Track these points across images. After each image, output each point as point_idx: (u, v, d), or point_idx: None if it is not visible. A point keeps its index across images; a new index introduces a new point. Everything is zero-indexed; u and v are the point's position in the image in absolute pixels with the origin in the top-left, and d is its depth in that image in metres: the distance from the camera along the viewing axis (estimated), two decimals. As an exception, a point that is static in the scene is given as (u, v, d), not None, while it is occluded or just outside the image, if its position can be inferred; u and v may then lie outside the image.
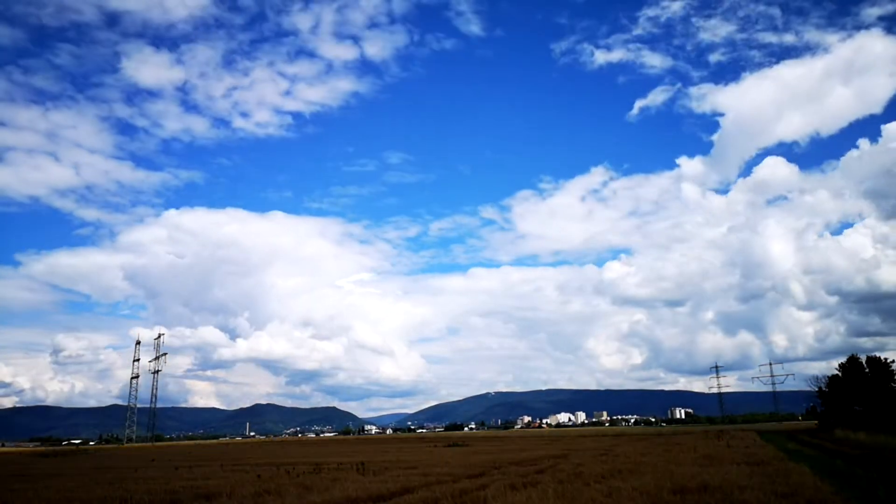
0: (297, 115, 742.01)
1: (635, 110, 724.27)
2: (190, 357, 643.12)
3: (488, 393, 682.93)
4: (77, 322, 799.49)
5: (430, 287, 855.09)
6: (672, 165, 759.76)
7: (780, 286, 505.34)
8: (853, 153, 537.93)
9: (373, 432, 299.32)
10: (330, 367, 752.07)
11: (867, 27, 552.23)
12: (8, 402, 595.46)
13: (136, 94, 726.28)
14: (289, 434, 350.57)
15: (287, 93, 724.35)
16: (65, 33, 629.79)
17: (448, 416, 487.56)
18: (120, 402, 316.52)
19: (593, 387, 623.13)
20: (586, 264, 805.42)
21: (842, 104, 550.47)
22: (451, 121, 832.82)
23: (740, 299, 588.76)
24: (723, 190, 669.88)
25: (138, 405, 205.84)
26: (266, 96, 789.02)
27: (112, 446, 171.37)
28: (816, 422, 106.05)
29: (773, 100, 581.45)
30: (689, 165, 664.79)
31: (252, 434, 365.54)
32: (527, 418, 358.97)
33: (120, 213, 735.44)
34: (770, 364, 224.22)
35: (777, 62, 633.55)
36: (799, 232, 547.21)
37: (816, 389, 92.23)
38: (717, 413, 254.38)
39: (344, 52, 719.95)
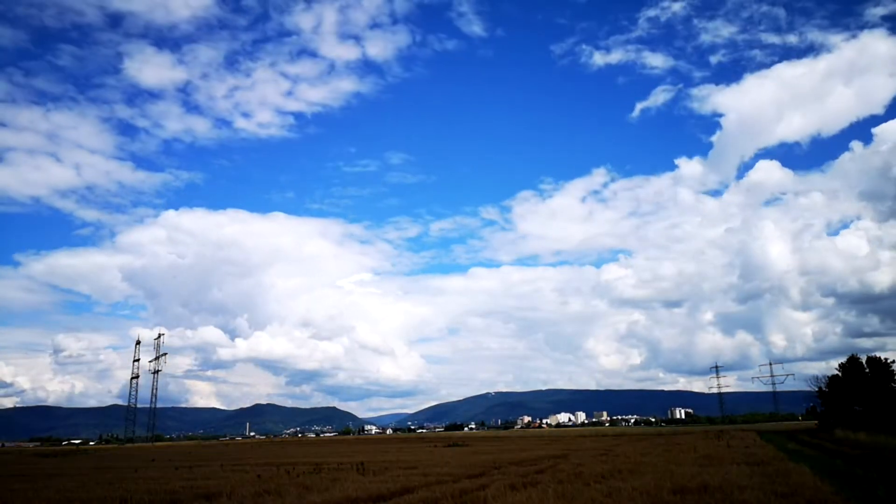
0: (298, 116, 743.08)
1: (636, 111, 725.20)
2: (190, 357, 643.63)
3: (488, 393, 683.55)
4: (77, 322, 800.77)
5: (430, 287, 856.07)
6: (673, 166, 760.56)
7: (779, 287, 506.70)
8: (849, 154, 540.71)
9: (373, 432, 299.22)
10: (330, 368, 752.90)
11: (871, 27, 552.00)
12: (9, 402, 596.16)
13: (138, 95, 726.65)
14: (289, 434, 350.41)
15: (289, 93, 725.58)
16: (67, 34, 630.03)
17: (448, 416, 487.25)
18: (120, 402, 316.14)
19: (593, 387, 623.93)
20: (586, 265, 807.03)
21: (843, 104, 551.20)
22: (453, 121, 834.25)
23: (739, 300, 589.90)
24: (722, 191, 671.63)
25: (138, 405, 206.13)
26: (268, 96, 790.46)
27: (112, 446, 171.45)
28: (816, 422, 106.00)
29: (774, 100, 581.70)
30: (689, 166, 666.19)
31: (252, 434, 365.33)
32: (527, 418, 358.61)
33: (120, 213, 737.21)
34: (770, 364, 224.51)
35: (778, 62, 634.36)
36: (796, 233, 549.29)
37: (816, 389, 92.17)
38: (717, 413, 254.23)
39: (346, 53, 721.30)
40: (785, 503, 15.13)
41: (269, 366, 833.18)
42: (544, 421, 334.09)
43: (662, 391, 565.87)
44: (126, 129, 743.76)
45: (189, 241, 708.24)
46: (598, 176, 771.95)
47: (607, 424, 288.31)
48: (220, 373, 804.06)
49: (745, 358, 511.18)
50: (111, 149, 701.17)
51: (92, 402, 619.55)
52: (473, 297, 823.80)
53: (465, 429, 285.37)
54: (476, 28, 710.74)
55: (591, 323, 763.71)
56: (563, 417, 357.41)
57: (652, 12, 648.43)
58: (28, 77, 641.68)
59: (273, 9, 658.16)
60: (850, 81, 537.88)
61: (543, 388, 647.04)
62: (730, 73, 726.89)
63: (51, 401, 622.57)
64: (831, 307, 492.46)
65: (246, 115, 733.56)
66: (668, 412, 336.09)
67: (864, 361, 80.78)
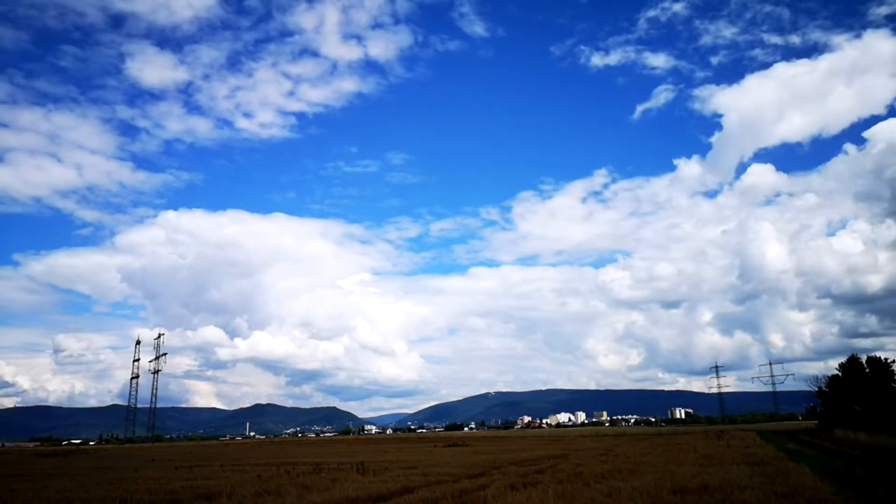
0: (300, 116, 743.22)
1: (637, 112, 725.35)
2: (191, 357, 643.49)
3: (488, 393, 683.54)
4: (77, 322, 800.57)
5: (430, 287, 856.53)
6: (673, 167, 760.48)
7: (776, 287, 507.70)
8: (843, 155, 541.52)
9: (373, 432, 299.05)
10: (330, 368, 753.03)
11: (875, 26, 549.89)
12: (9, 402, 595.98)
13: (139, 96, 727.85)
14: (289, 434, 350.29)
15: (290, 93, 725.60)
16: (68, 35, 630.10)
17: (448, 416, 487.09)
18: (120, 402, 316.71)
19: (593, 387, 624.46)
20: (586, 265, 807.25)
21: (844, 104, 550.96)
22: (454, 122, 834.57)
23: (737, 300, 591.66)
24: (722, 191, 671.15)
25: (139, 405, 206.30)
26: (269, 97, 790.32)
27: (112, 446, 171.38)
28: (816, 422, 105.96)
29: (774, 101, 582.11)
30: (688, 167, 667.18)
31: (252, 434, 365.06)
32: (527, 418, 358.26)
33: (121, 213, 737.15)
34: (770, 364, 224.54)
35: (779, 62, 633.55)
36: (794, 234, 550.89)
37: (816, 389, 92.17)
38: (717, 413, 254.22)
39: (348, 53, 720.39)
40: (785, 503, 15.13)
41: (269, 366, 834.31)
42: (544, 421, 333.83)
43: (662, 391, 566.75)
44: (127, 130, 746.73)
45: (189, 242, 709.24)
46: (599, 177, 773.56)
47: (607, 424, 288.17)
48: (221, 373, 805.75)
49: (743, 358, 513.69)
50: (112, 149, 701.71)
51: (92, 402, 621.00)
52: (473, 297, 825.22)
53: (465, 429, 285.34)
54: (478, 28, 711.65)
55: (591, 323, 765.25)
56: (563, 417, 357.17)
57: (654, 13, 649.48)
58: (29, 78, 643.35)
59: (275, 9, 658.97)
60: (851, 81, 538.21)
61: (543, 387, 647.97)
62: (731, 74, 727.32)
63: (51, 401, 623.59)
64: (829, 307, 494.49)
65: (247, 115, 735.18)
66: (668, 412, 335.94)
67: (864, 361, 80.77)
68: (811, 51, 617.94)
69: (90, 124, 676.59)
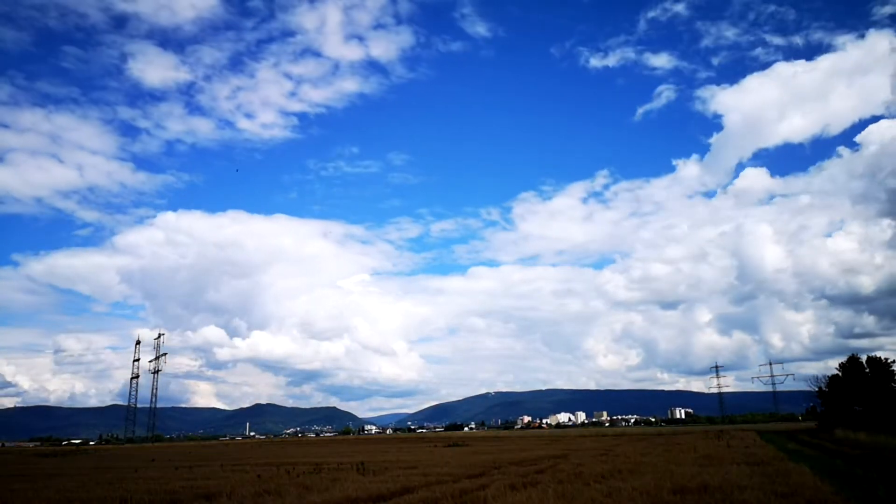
0: (302, 116, 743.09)
1: (639, 114, 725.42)
2: (191, 357, 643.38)
3: (488, 393, 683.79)
4: (77, 322, 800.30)
5: (430, 287, 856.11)
6: (673, 168, 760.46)
7: (774, 288, 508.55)
8: (839, 157, 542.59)
9: (373, 432, 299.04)
10: (330, 368, 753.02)
11: (881, 27, 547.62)
12: (9, 402, 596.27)
13: (140, 97, 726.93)
14: (289, 434, 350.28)
15: (292, 94, 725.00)
16: (70, 36, 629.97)
17: (448, 416, 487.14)
18: (120, 402, 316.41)
19: (593, 387, 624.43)
20: (586, 266, 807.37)
21: (845, 104, 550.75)
22: (456, 122, 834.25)
23: (735, 301, 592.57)
24: (721, 192, 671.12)
25: (139, 405, 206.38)
26: (271, 97, 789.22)
27: (112, 446, 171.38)
28: (816, 422, 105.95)
29: (774, 101, 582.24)
30: (688, 168, 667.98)
31: (252, 434, 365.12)
32: (527, 418, 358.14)
33: (121, 214, 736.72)
34: (770, 364, 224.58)
35: (778, 62, 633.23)
36: (791, 234, 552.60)
37: (816, 389, 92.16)
38: (717, 413, 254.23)
39: (350, 53, 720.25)
40: (785, 503, 15.13)
41: (269, 366, 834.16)
42: (544, 421, 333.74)
43: (662, 391, 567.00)
44: (128, 131, 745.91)
45: (191, 242, 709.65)
46: (601, 178, 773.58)
47: (607, 424, 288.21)
48: (221, 373, 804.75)
49: (742, 358, 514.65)
50: (113, 150, 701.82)
51: (92, 402, 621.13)
52: (473, 298, 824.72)
53: (465, 429, 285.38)
54: (480, 29, 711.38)
55: (591, 323, 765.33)
56: (563, 417, 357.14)
57: (655, 13, 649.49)
58: (31, 80, 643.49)
59: (278, 9, 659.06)
60: (852, 81, 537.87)
61: (543, 387, 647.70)
62: (732, 74, 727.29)
63: (51, 401, 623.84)
64: (826, 308, 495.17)
65: (249, 115, 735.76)
66: (668, 412, 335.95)
67: (864, 361, 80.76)
68: (814, 51, 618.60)
69: (91, 125, 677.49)
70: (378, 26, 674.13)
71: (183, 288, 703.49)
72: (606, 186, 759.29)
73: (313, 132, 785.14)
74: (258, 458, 53.69)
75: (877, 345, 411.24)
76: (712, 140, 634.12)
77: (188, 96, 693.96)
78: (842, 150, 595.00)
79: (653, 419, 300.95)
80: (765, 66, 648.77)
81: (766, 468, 23.64)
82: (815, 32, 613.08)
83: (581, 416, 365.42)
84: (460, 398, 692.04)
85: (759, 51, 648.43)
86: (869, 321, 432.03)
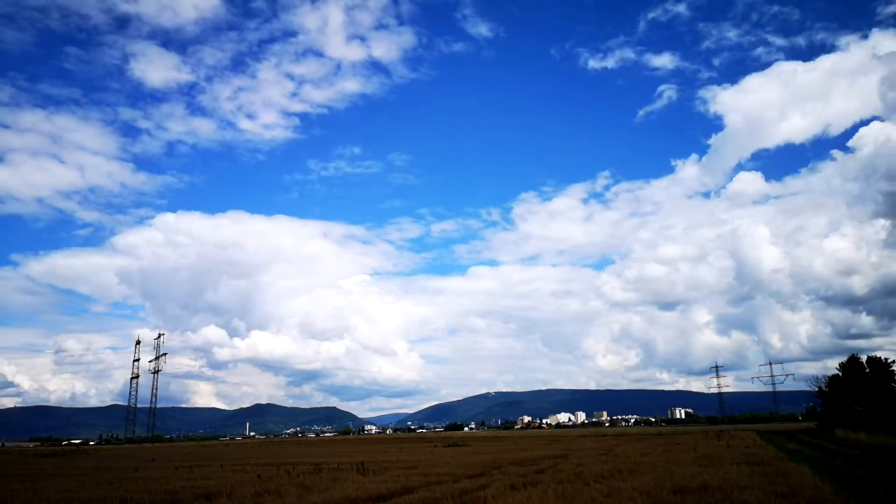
0: (303, 117, 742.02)
1: (640, 115, 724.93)
2: (191, 357, 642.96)
3: (488, 393, 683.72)
4: (77, 323, 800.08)
5: (430, 287, 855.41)
6: (672, 168, 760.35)
7: (772, 289, 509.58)
8: (835, 158, 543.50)
9: (373, 432, 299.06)
10: (330, 368, 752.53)
11: (885, 26, 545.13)
12: (10, 402, 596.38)
13: (142, 98, 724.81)
14: (289, 434, 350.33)
15: (293, 94, 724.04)
16: (72, 37, 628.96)
17: (448, 416, 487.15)
18: (120, 402, 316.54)
19: (593, 387, 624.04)
20: (586, 266, 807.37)
21: (846, 104, 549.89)
22: (457, 123, 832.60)
23: (734, 301, 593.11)
24: (721, 192, 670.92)
25: (139, 405, 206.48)
26: (272, 98, 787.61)
27: (112, 446, 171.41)
28: (816, 422, 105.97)
29: (775, 101, 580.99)
30: (688, 169, 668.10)
31: (252, 434, 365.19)
32: (527, 418, 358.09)
33: (122, 214, 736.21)
34: (770, 364, 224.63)
35: (778, 62, 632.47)
36: (789, 234, 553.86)
37: (816, 389, 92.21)
38: (717, 413, 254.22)
39: (352, 53, 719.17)
40: (785, 503, 15.13)
41: (269, 366, 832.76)
42: (544, 421, 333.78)
43: (662, 391, 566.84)
44: (129, 131, 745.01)
45: (191, 243, 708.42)
46: (602, 179, 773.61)
47: (607, 424, 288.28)
48: (221, 373, 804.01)
49: (741, 358, 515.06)
50: (114, 150, 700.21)
51: (92, 402, 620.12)
52: (473, 298, 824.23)
53: (465, 429, 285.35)
54: (482, 29, 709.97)
55: (591, 323, 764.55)
56: (563, 417, 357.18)
57: (656, 14, 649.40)
58: (32, 81, 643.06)
59: (280, 9, 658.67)
60: (854, 81, 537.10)
61: (543, 387, 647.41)
62: (733, 74, 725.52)
63: (51, 401, 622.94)
64: (823, 308, 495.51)
65: (250, 116, 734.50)
66: (668, 412, 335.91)
67: (864, 361, 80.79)
68: (816, 51, 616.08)
69: (92, 126, 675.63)
70: (380, 27, 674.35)
71: (183, 288, 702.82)
72: (607, 187, 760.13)
73: (315, 132, 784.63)
74: (258, 458, 53.70)
75: (874, 345, 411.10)
76: (711, 141, 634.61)
77: (189, 97, 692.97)
78: (835, 152, 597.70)
79: (653, 419, 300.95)
80: (766, 65, 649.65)
81: (766, 468, 23.64)
82: (817, 33, 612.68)
83: (581, 416, 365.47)
84: (460, 398, 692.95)
85: (760, 50, 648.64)
86: (866, 321, 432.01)
